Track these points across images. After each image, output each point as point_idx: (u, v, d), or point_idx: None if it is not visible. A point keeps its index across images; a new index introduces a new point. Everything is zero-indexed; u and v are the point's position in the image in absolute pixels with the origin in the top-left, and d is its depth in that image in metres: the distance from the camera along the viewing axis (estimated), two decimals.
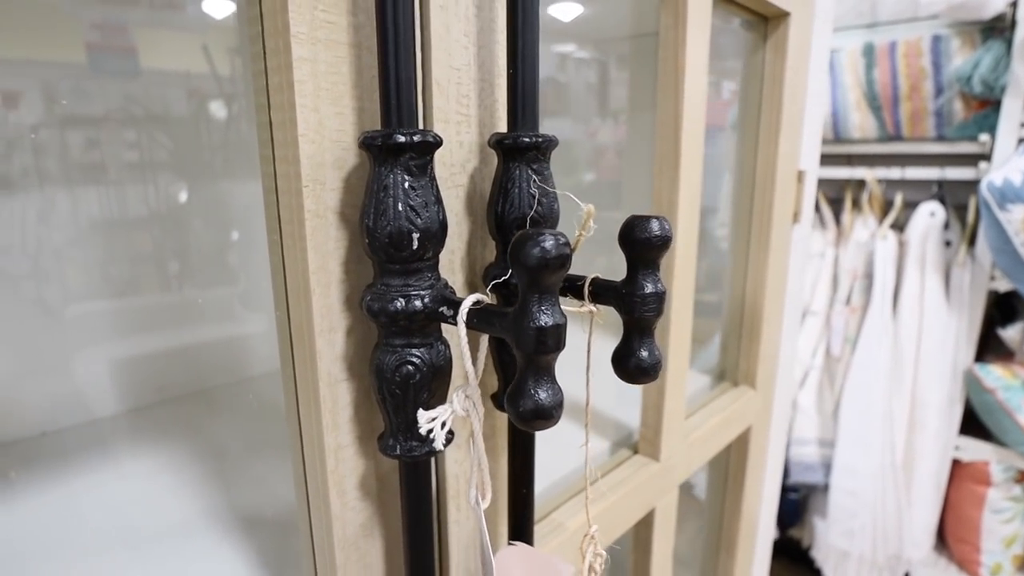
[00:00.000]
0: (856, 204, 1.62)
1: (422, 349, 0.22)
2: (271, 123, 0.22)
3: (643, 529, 0.48)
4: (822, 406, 1.62)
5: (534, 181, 0.24)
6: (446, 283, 0.23)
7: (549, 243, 0.18)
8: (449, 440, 0.23)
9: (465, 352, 0.21)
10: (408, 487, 0.24)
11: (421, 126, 0.24)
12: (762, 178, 0.55)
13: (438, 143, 0.22)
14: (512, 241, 0.19)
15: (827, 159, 1.63)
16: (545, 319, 0.19)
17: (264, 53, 0.21)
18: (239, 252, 0.57)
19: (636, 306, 0.22)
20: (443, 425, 0.21)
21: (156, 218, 0.53)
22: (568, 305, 0.23)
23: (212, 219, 0.55)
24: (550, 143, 0.25)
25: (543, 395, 0.19)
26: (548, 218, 0.25)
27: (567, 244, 0.19)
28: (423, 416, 0.22)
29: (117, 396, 0.51)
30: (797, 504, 1.65)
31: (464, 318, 0.20)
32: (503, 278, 0.25)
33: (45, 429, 0.47)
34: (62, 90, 0.49)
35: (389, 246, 0.21)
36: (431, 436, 0.22)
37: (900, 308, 1.48)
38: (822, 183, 1.66)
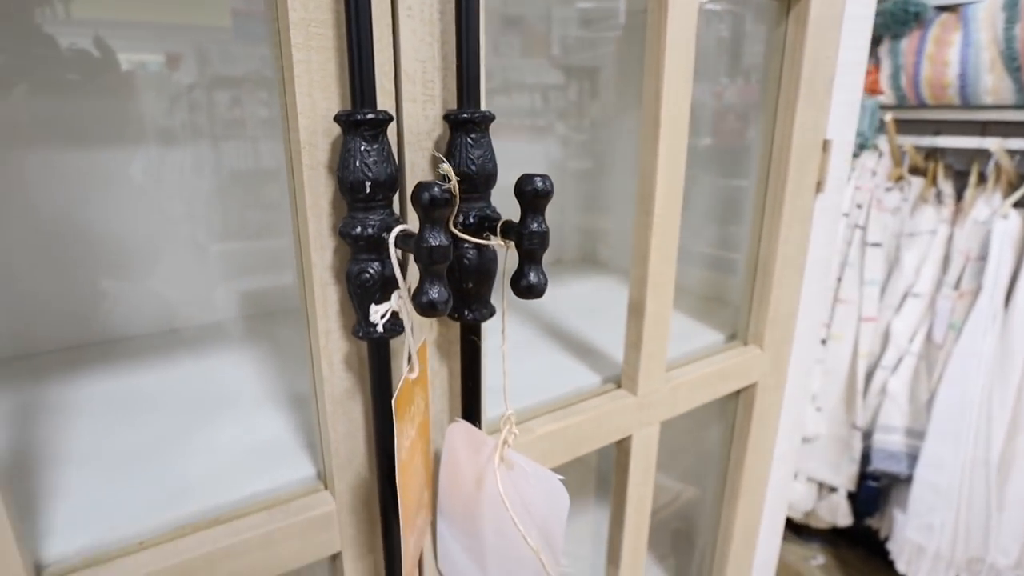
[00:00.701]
0: (982, 178, 1.49)
1: (376, 263, 0.32)
2: (285, 103, 0.32)
3: (622, 454, 0.56)
4: (915, 395, 1.54)
5: (468, 146, 0.33)
6: (398, 218, 0.33)
7: (435, 190, 0.27)
8: (392, 329, 0.33)
9: (395, 264, 0.30)
10: (372, 361, 0.34)
11: (394, 106, 0.34)
12: (779, 148, 0.58)
13: (387, 119, 0.31)
14: (413, 188, 0.28)
15: (954, 127, 1.50)
16: (432, 240, 0.28)
17: (280, 54, 0.32)
18: None
19: (524, 240, 0.30)
20: (383, 316, 0.31)
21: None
22: (487, 240, 0.31)
23: None
24: (484, 118, 0.33)
25: (434, 293, 0.28)
26: (480, 174, 0.33)
27: (448, 191, 0.27)
28: (373, 310, 0.32)
29: (233, 306, 0.67)
30: (877, 493, 1.60)
31: (392, 239, 0.30)
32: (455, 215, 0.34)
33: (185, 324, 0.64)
34: (212, 53, 0.63)
35: (351, 190, 0.31)
36: (379, 324, 0.32)
37: (1015, 296, 1.37)
38: (947, 153, 1.54)
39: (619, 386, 0.55)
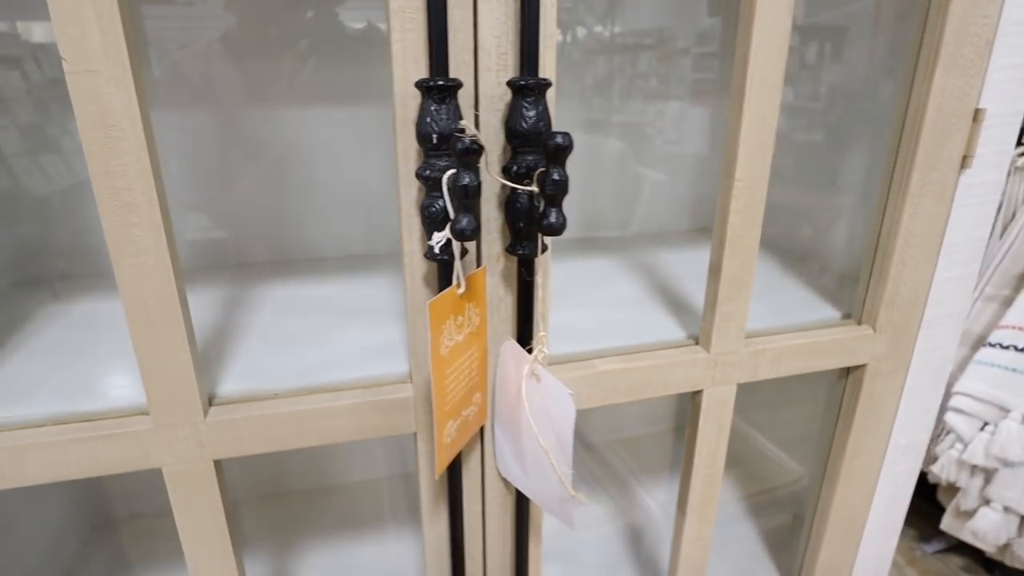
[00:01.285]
0: None
1: (440, 200, 0.40)
2: (392, 73, 0.42)
3: (695, 407, 0.59)
4: None
5: (524, 108, 0.39)
6: None
7: (466, 141, 0.34)
8: (448, 254, 0.41)
9: (447, 200, 0.38)
10: (440, 278, 0.43)
11: (472, 74, 0.41)
12: (912, 115, 0.54)
13: (454, 85, 0.39)
14: (451, 145, 0.35)
15: None
16: (462, 180, 0.35)
17: (390, 38, 0.41)
18: None
19: (546, 186, 0.36)
20: (439, 242, 0.40)
21: None
22: (520, 184, 0.38)
23: None
24: (538, 84, 0.39)
25: (464, 222, 0.36)
26: (531, 132, 0.40)
27: (476, 142, 0.34)
28: (433, 237, 0.40)
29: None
30: None
31: (445, 181, 0.38)
32: (508, 165, 0.41)
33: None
34: None
35: (423, 140, 0.39)
36: (436, 248, 0.40)
37: None
38: None
39: (696, 342, 0.58)
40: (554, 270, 0.74)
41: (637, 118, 0.86)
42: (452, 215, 0.38)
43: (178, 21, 0.67)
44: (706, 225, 0.91)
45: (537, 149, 0.41)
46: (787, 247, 0.84)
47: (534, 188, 0.38)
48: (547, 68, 0.41)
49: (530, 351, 0.44)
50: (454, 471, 0.51)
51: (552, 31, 0.41)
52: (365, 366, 0.52)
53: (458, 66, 0.41)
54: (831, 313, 0.65)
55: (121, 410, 0.45)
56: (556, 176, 0.36)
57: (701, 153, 0.88)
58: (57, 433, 0.44)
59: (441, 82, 0.38)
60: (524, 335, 0.47)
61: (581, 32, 0.81)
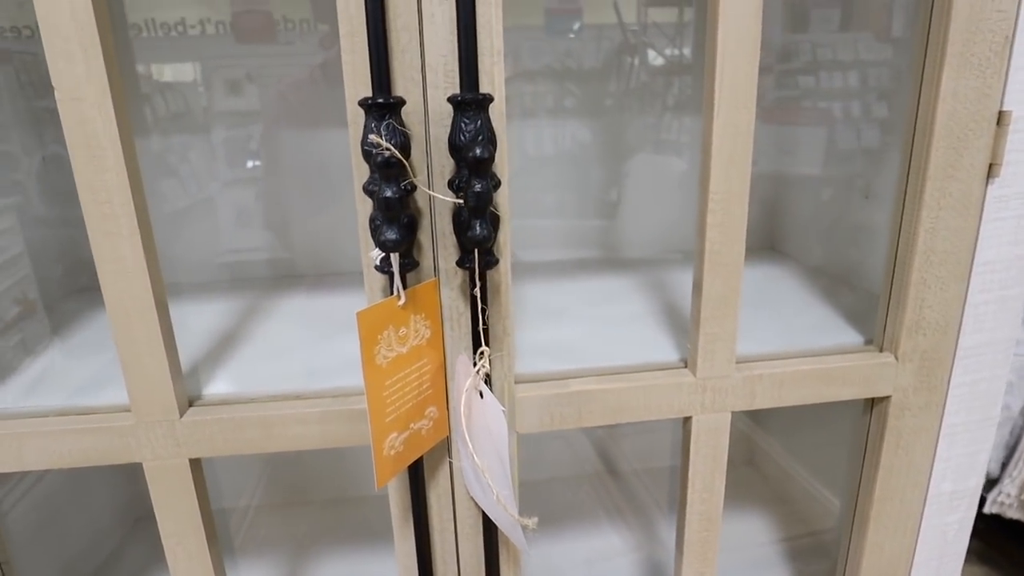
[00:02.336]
0: None
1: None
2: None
3: (686, 435, 0.55)
4: None
5: (464, 123, 0.40)
6: (408, 180, 0.42)
7: (384, 155, 0.35)
8: (388, 267, 0.42)
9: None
10: (389, 291, 0.44)
11: (420, 92, 0.43)
12: (923, 123, 0.50)
13: (391, 103, 0.40)
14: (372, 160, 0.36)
15: None
16: (385, 193, 0.36)
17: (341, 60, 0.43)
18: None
19: (468, 198, 0.37)
20: (379, 256, 0.41)
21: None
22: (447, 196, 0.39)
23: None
24: (475, 100, 0.40)
25: (389, 234, 0.37)
26: (470, 146, 0.40)
27: (393, 156, 0.35)
28: (372, 252, 0.41)
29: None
30: None
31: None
32: (452, 179, 0.42)
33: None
34: (524, 48, 0.77)
35: (365, 156, 0.41)
36: (375, 262, 0.41)
37: None
38: None
39: (685, 365, 0.55)
40: (566, 287, 0.74)
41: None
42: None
43: (279, 58, 0.73)
44: (774, 244, 0.86)
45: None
46: (818, 264, 0.78)
47: (458, 200, 0.39)
48: (493, 83, 0.42)
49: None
50: (418, 487, 0.51)
51: (497, 47, 0.41)
52: (344, 376, 0.53)
53: (407, 84, 0.42)
54: (853, 338, 0.59)
55: (110, 407, 0.50)
56: (478, 187, 0.36)
57: (774, 172, 0.84)
58: (55, 424, 0.48)
59: (380, 100, 0.39)
60: (474, 348, 0.47)
61: (651, 55, 0.81)
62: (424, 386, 0.45)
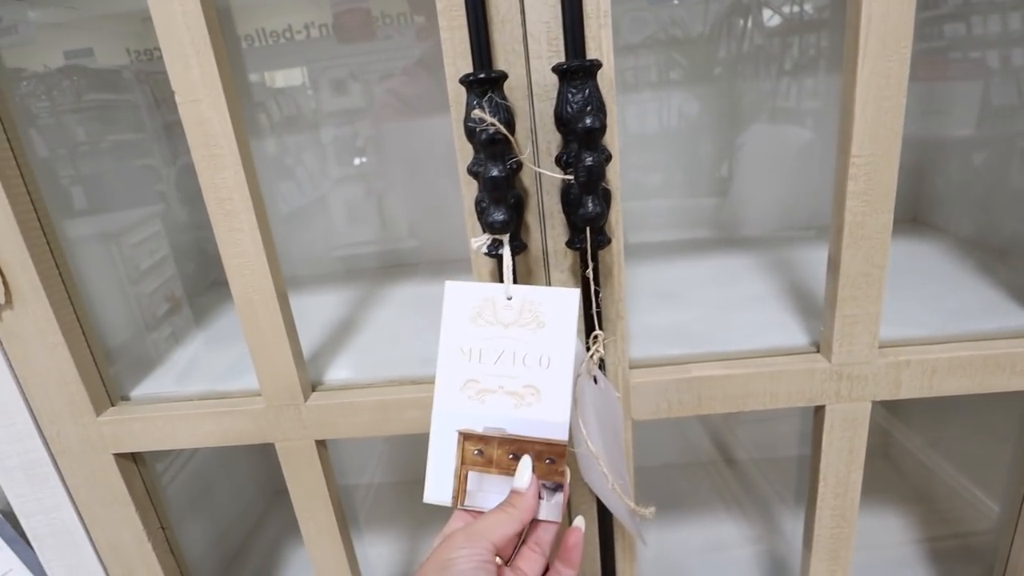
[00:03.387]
0: None
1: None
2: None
3: (817, 424, 0.50)
4: None
5: (571, 93, 0.38)
6: (515, 157, 0.40)
7: (489, 131, 0.34)
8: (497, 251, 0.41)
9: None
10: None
11: (524, 64, 0.41)
12: None
13: (495, 77, 0.38)
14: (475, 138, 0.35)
15: None
16: (491, 173, 0.35)
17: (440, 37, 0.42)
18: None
19: (578, 172, 0.34)
20: (483, 242, 0.39)
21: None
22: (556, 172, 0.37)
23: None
24: (582, 67, 0.37)
25: (496, 215, 0.35)
26: (579, 117, 0.38)
27: (498, 132, 0.34)
28: (473, 240, 0.40)
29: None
30: None
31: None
32: (560, 155, 0.40)
33: None
34: (624, 21, 0.72)
35: (469, 136, 0.40)
36: (482, 248, 0.40)
37: None
38: None
39: (818, 350, 0.50)
40: (678, 268, 0.69)
41: (830, 102, 0.75)
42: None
43: (380, 54, 0.75)
44: (917, 216, 0.77)
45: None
46: (971, 237, 0.69)
47: (567, 176, 0.37)
48: (601, 49, 0.39)
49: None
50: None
51: (604, 8, 0.38)
52: None
53: (508, 57, 0.40)
54: (1021, 321, 0.51)
55: (244, 392, 0.53)
56: (589, 161, 0.34)
57: (917, 134, 0.74)
58: (199, 407, 0.52)
59: (481, 75, 0.38)
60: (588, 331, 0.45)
61: (766, 14, 0.74)
62: None
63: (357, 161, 0.80)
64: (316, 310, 0.69)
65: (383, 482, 0.95)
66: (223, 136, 0.43)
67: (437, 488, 0.40)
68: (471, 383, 0.40)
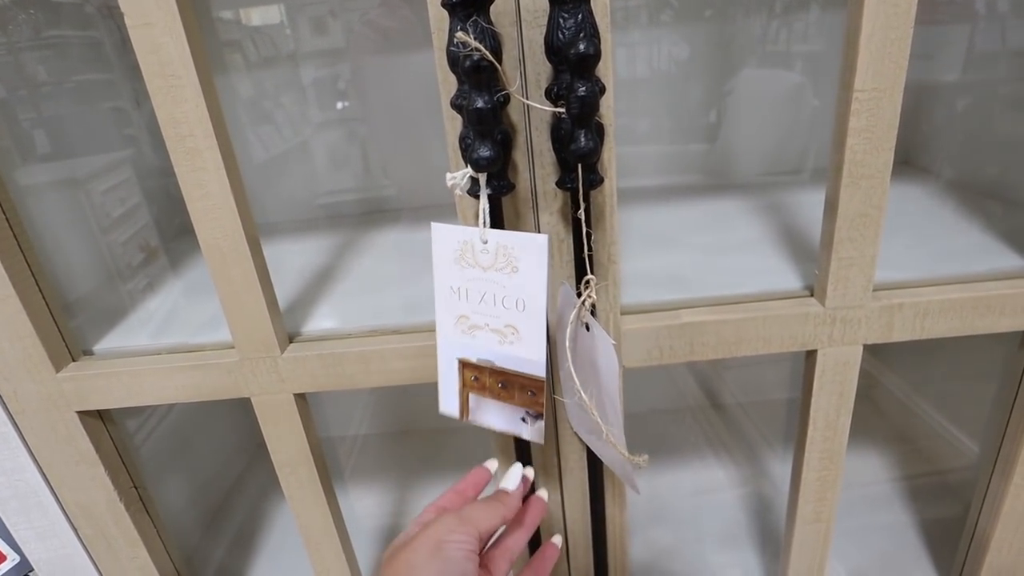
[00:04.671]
0: None
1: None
2: None
3: (808, 369, 0.50)
4: None
5: (562, 18, 0.35)
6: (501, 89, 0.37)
7: (474, 58, 0.31)
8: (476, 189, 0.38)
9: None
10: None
11: None
12: None
13: (476, 1, 0.35)
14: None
15: None
16: (476, 104, 0.32)
17: None
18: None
19: (571, 104, 0.32)
20: (460, 178, 0.37)
21: None
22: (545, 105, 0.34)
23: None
24: None
25: (481, 151, 0.33)
26: (571, 43, 0.35)
27: (484, 58, 0.31)
28: (448, 175, 0.38)
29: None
30: None
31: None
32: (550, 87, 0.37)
33: None
34: None
35: (452, 65, 0.36)
36: (459, 186, 0.38)
37: None
38: None
39: (812, 295, 0.49)
40: (670, 212, 0.67)
41: (822, 46, 0.72)
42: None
43: None
44: (908, 158, 0.76)
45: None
46: (963, 179, 0.68)
47: (558, 110, 0.34)
48: None
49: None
50: None
51: None
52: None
53: None
54: (1012, 262, 0.51)
55: (217, 344, 0.50)
56: (582, 91, 0.31)
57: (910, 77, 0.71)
58: (168, 361, 0.49)
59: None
60: (579, 275, 0.43)
61: None
62: None
63: (340, 105, 0.75)
64: (295, 259, 0.66)
65: (370, 433, 0.94)
66: (180, 64, 0.39)
67: (448, 403, 0.44)
68: (463, 319, 0.40)
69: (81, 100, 0.66)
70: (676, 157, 0.77)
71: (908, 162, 0.75)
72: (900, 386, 0.85)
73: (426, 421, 0.94)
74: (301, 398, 0.51)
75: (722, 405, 0.92)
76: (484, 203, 0.36)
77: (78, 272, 0.61)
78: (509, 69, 0.39)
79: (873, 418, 0.87)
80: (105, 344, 0.53)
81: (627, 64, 0.73)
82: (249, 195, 0.45)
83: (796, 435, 0.54)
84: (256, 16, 0.71)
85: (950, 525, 0.69)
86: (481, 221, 0.37)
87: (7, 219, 0.46)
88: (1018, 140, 0.61)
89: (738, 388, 0.93)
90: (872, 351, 0.88)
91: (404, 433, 0.94)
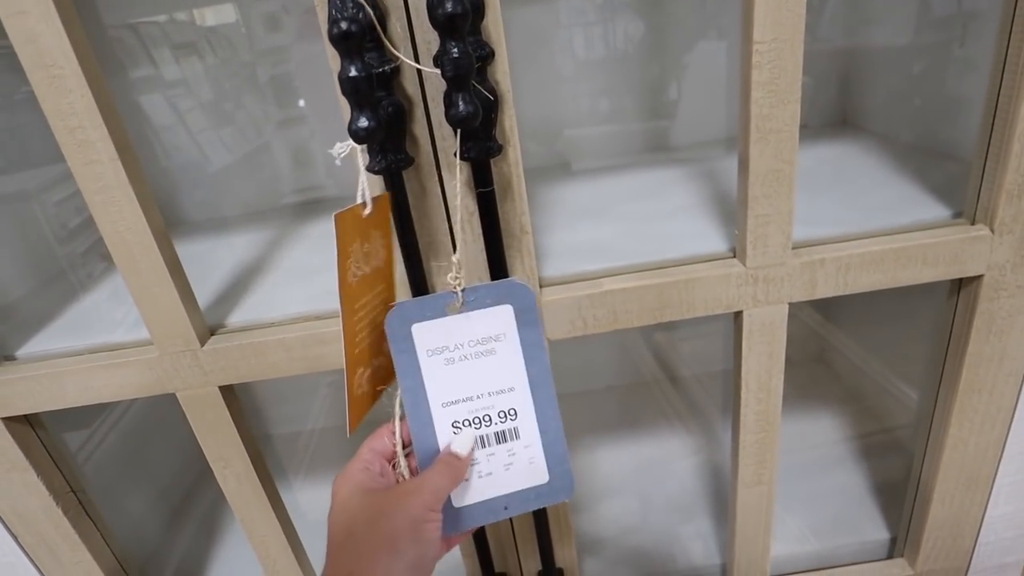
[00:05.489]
0: None
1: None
2: None
3: (737, 331, 0.50)
4: None
5: None
6: (381, 57, 0.36)
7: (341, 26, 0.30)
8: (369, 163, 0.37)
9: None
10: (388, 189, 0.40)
11: None
12: None
13: None
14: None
15: None
16: (349, 72, 0.31)
17: None
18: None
19: (445, 66, 0.31)
20: (340, 152, 0.36)
21: None
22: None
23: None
24: None
25: (359, 121, 0.32)
26: (439, 4, 0.34)
27: (355, 22, 0.30)
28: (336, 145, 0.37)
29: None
30: None
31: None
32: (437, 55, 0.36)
33: None
34: None
35: (331, 38, 0.35)
36: (338, 156, 0.37)
37: None
38: None
39: (734, 255, 0.48)
40: (612, 184, 0.67)
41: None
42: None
43: None
44: (847, 118, 0.75)
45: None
46: (898, 137, 0.68)
47: (430, 69, 0.33)
48: None
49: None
50: None
51: None
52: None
53: None
54: (938, 213, 0.51)
55: (137, 341, 0.49)
56: (455, 52, 0.30)
57: (843, 40, 0.72)
58: (88, 361, 0.48)
59: None
60: (494, 254, 0.43)
61: None
62: (379, 319, 0.38)
63: (302, 103, 0.74)
64: (226, 253, 0.64)
65: (326, 427, 0.93)
66: (60, 53, 0.37)
67: None
68: None
69: (33, 110, 0.64)
70: (635, 134, 0.76)
71: (846, 122, 0.75)
72: (851, 347, 0.85)
73: (384, 413, 0.93)
74: (228, 390, 0.50)
75: (677, 377, 0.92)
76: (363, 178, 0.35)
77: (2, 279, 0.60)
78: (397, 38, 0.38)
79: (826, 380, 0.87)
80: (28, 348, 0.52)
81: (585, 45, 0.72)
82: (183, 192, 0.44)
83: (733, 399, 0.54)
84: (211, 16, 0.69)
85: (901, 482, 0.70)
86: (360, 194, 0.35)
87: None
88: (947, 96, 0.61)
89: (692, 360, 0.93)
90: (823, 314, 0.89)
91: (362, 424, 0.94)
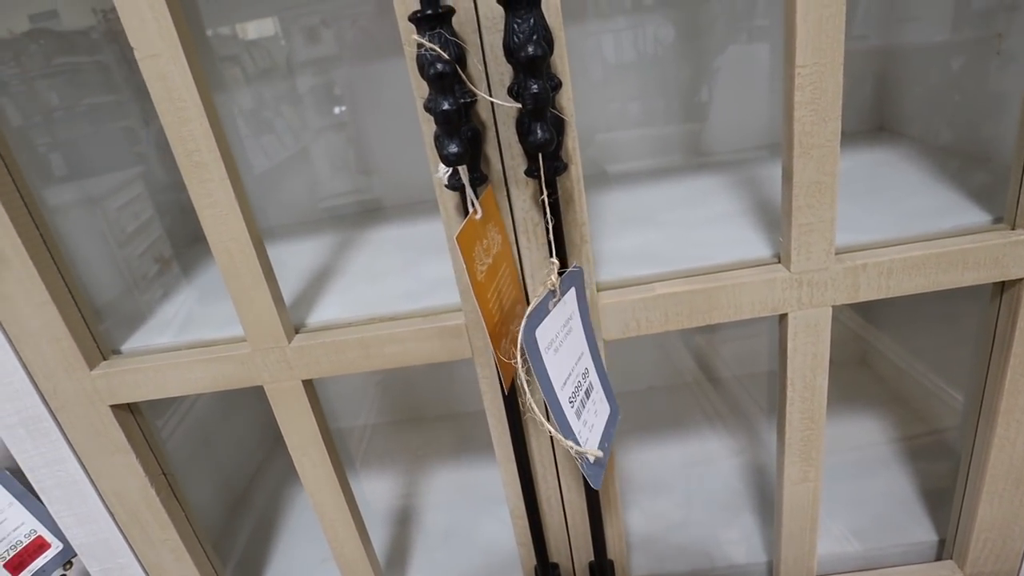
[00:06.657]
0: None
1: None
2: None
3: (783, 333, 0.53)
4: None
5: (516, 24, 0.38)
6: (467, 91, 0.41)
7: (437, 67, 0.35)
8: (457, 182, 0.42)
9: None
10: (462, 204, 0.45)
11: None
12: None
13: (440, 13, 0.39)
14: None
15: None
16: (442, 107, 0.36)
17: None
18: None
19: (525, 100, 0.35)
20: (446, 172, 0.41)
21: None
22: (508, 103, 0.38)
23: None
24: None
25: (449, 147, 0.37)
26: (522, 47, 0.38)
27: (447, 65, 0.35)
28: (439, 168, 0.42)
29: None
30: None
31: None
32: (512, 86, 0.41)
33: None
34: None
35: (421, 72, 0.40)
36: (444, 179, 0.42)
37: None
38: None
39: (779, 260, 0.52)
40: (653, 190, 0.71)
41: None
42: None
43: None
44: (884, 124, 0.78)
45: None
46: (937, 142, 0.70)
47: (517, 105, 0.38)
48: None
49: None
50: (513, 400, 0.53)
51: None
52: (432, 296, 0.55)
53: None
54: (979, 218, 0.53)
55: (231, 338, 0.55)
56: (534, 88, 0.35)
57: (881, 42, 0.75)
58: (187, 356, 0.54)
59: (428, 11, 0.38)
60: (560, 259, 0.47)
61: None
62: (510, 289, 0.46)
63: (337, 111, 0.80)
64: (298, 258, 0.70)
65: (379, 423, 0.98)
66: (185, 89, 0.43)
67: None
68: None
69: (92, 122, 0.72)
70: (668, 138, 0.80)
71: (883, 128, 0.77)
72: (894, 350, 0.87)
73: (430, 409, 0.98)
74: (309, 384, 0.55)
75: (719, 379, 0.94)
76: (470, 193, 0.40)
77: (101, 281, 0.67)
78: (476, 74, 0.42)
79: (870, 383, 0.88)
80: (131, 344, 0.58)
81: (615, 49, 0.76)
82: (252, 201, 0.50)
83: (778, 400, 0.57)
84: (252, 30, 0.76)
85: (948, 484, 0.71)
86: (469, 205, 0.41)
87: (40, 232, 0.51)
88: (985, 98, 0.63)
89: (733, 362, 0.95)
90: (866, 317, 0.90)
91: (406, 421, 0.99)
